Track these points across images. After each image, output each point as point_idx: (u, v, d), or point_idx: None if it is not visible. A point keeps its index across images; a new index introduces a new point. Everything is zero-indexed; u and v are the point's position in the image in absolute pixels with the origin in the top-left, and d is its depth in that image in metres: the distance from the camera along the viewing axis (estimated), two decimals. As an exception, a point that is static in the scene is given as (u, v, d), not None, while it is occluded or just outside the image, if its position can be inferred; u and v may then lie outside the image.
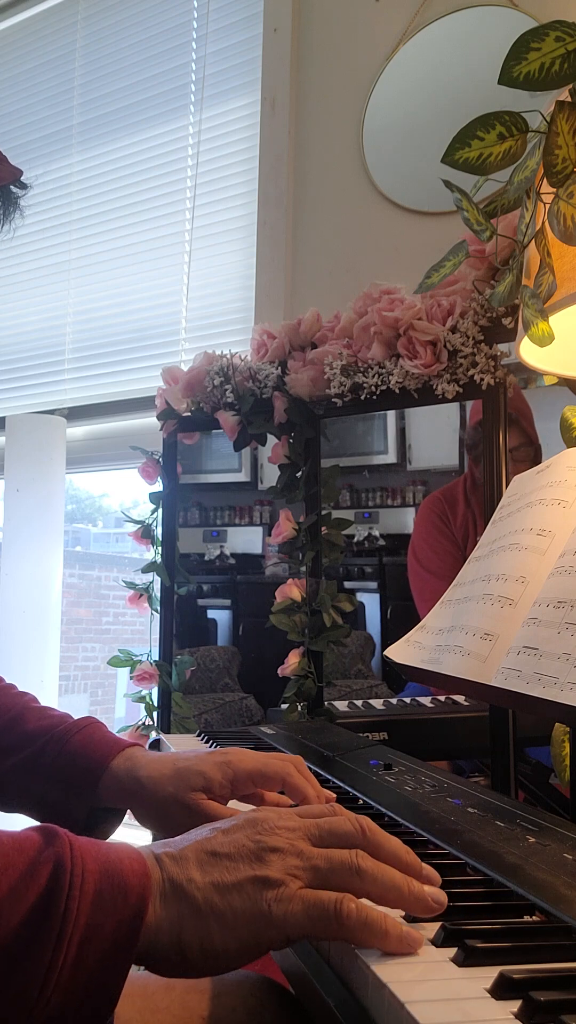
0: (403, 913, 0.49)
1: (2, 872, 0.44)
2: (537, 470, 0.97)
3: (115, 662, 1.56)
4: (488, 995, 0.41)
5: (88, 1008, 0.43)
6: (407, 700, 1.39)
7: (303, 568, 1.39)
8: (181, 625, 1.61)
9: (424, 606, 1.36)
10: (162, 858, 0.48)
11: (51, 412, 2.15)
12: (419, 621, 0.99)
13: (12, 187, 0.88)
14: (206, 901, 0.46)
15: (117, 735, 0.78)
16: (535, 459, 1.22)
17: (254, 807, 0.62)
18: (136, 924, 0.44)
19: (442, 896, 0.49)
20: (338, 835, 0.50)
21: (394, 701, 1.39)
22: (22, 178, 0.86)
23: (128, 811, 0.76)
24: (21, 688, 0.89)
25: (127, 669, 1.56)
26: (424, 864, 0.51)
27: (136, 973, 0.50)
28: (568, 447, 1.04)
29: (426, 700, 1.38)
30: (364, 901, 0.47)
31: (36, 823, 0.50)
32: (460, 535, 1.38)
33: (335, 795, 0.74)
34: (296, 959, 0.51)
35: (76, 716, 0.82)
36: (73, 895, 0.44)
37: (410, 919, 0.49)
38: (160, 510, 1.58)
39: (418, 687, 1.40)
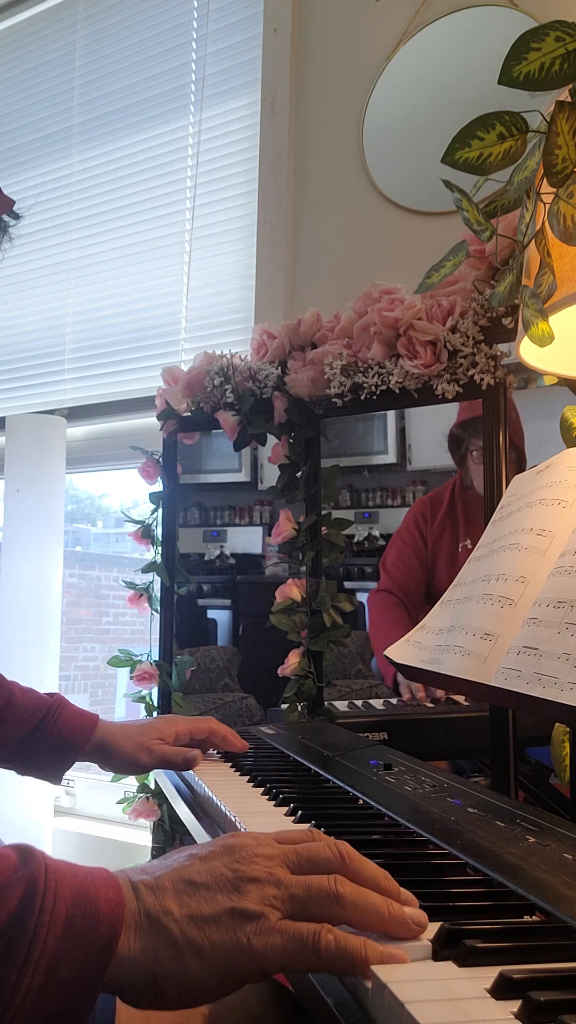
0: None
1: None
2: (537, 470, 0.97)
3: (115, 662, 1.56)
4: (488, 995, 0.41)
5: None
6: (393, 701, 1.40)
7: (303, 568, 1.39)
8: (181, 625, 1.61)
9: (371, 602, 1.38)
10: (139, 887, 0.47)
11: (51, 412, 2.15)
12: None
13: (5, 216, 0.93)
14: (183, 934, 0.45)
15: (81, 708, 0.99)
16: (519, 464, 1.23)
17: (231, 833, 0.63)
18: (106, 956, 0.44)
19: (423, 917, 0.48)
20: (316, 862, 0.49)
21: (394, 701, 1.39)
22: (13, 208, 0.89)
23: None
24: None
25: (127, 669, 1.56)
26: (402, 889, 0.50)
27: None
28: (568, 447, 1.04)
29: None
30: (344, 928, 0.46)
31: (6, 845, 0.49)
32: (432, 540, 1.40)
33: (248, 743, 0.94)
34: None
35: None
36: (43, 920, 0.43)
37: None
38: (160, 510, 1.58)
39: None
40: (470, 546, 1.38)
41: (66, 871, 0.46)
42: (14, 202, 0.91)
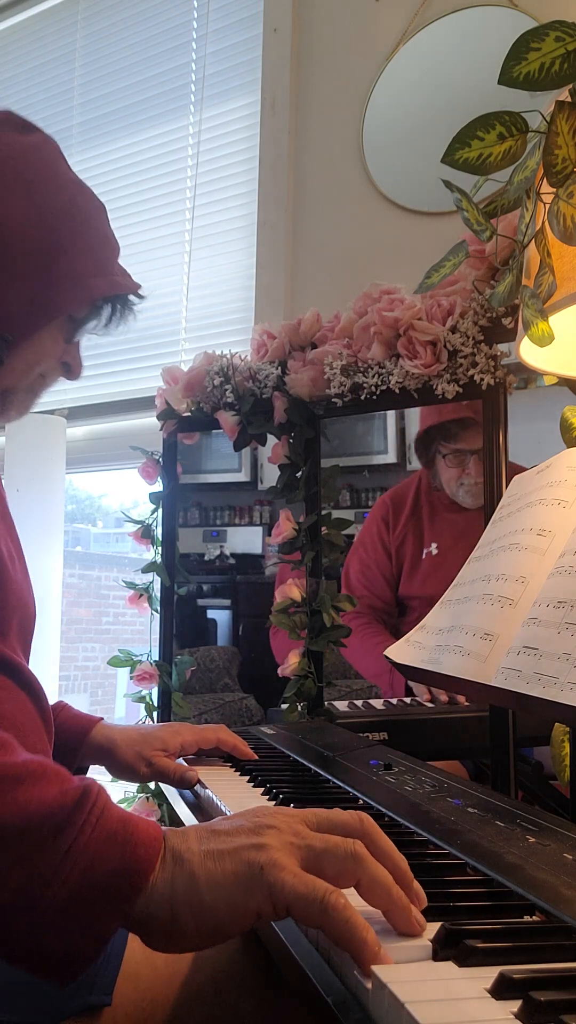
0: None
1: (58, 774, 0.51)
2: (537, 470, 0.97)
3: (115, 662, 1.56)
4: (488, 995, 0.40)
5: (83, 924, 0.46)
6: (393, 700, 1.40)
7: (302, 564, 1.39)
8: (181, 625, 1.61)
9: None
10: (168, 833, 0.51)
11: (51, 412, 2.15)
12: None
13: (132, 297, 1.00)
14: (201, 865, 0.48)
15: (83, 712, 0.96)
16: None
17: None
18: (138, 880, 0.47)
19: (424, 921, 0.48)
20: (336, 823, 0.51)
21: (394, 701, 1.39)
22: (140, 291, 1.00)
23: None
24: None
25: (127, 669, 1.55)
26: (415, 881, 0.50)
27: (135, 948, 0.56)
28: (568, 447, 1.04)
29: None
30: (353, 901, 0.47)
31: None
32: (396, 547, 1.39)
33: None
34: (296, 959, 0.51)
35: None
36: (91, 821, 0.48)
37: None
38: (160, 510, 1.58)
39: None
40: (435, 551, 1.38)
41: (116, 806, 0.51)
42: (139, 286, 1.00)
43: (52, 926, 0.46)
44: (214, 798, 0.84)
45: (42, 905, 0.46)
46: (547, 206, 0.83)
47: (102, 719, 0.98)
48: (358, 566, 1.45)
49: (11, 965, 0.47)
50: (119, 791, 1.69)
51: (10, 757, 0.51)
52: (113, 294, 0.95)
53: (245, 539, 1.73)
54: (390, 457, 1.52)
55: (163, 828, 0.51)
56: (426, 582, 1.39)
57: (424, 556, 1.39)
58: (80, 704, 0.99)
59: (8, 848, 0.46)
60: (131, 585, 1.59)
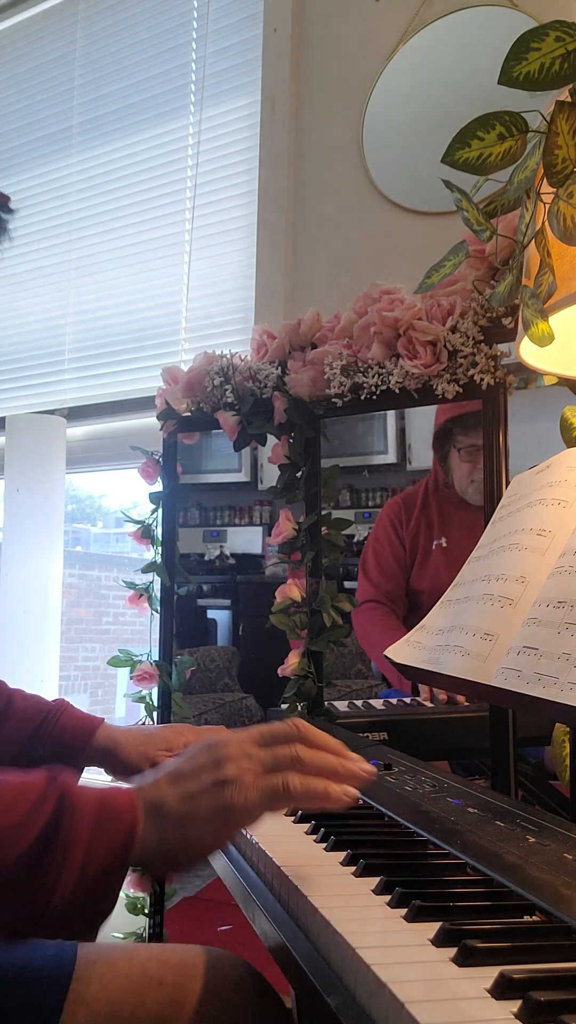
0: None
1: (17, 800, 0.55)
2: (537, 470, 0.97)
3: (115, 662, 1.56)
4: (488, 995, 0.40)
5: (89, 911, 0.55)
6: (393, 701, 1.40)
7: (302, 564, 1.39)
8: (181, 625, 1.61)
9: (358, 617, 1.38)
10: (141, 788, 0.60)
11: (51, 412, 2.15)
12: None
13: (0, 213, 0.94)
14: (178, 811, 0.57)
15: (85, 712, 0.94)
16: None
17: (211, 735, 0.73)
18: (129, 840, 0.55)
19: (368, 766, 0.62)
20: (278, 735, 0.61)
21: (394, 701, 1.39)
22: (9, 203, 0.92)
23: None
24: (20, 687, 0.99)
25: (127, 669, 1.55)
26: (351, 753, 0.62)
27: (100, 944, 0.63)
28: (568, 447, 1.04)
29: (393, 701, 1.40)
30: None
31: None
32: (409, 540, 1.41)
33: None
34: (297, 960, 0.51)
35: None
36: (75, 817, 0.55)
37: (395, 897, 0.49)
38: (160, 510, 1.58)
39: (395, 691, 1.42)
40: (444, 544, 1.39)
41: (86, 787, 0.58)
42: (8, 197, 0.93)
43: (67, 912, 0.54)
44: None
45: (58, 907, 0.53)
46: (547, 206, 0.83)
47: (103, 720, 0.98)
48: (374, 558, 1.46)
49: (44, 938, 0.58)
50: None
51: None
52: None
53: (245, 539, 1.73)
54: (390, 457, 1.52)
55: (134, 786, 0.60)
56: (437, 573, 1.40)
57: (435, 547, 1.40)
58: (80, 704, 0.99)
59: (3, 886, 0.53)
60: (131, 585, 1.59)
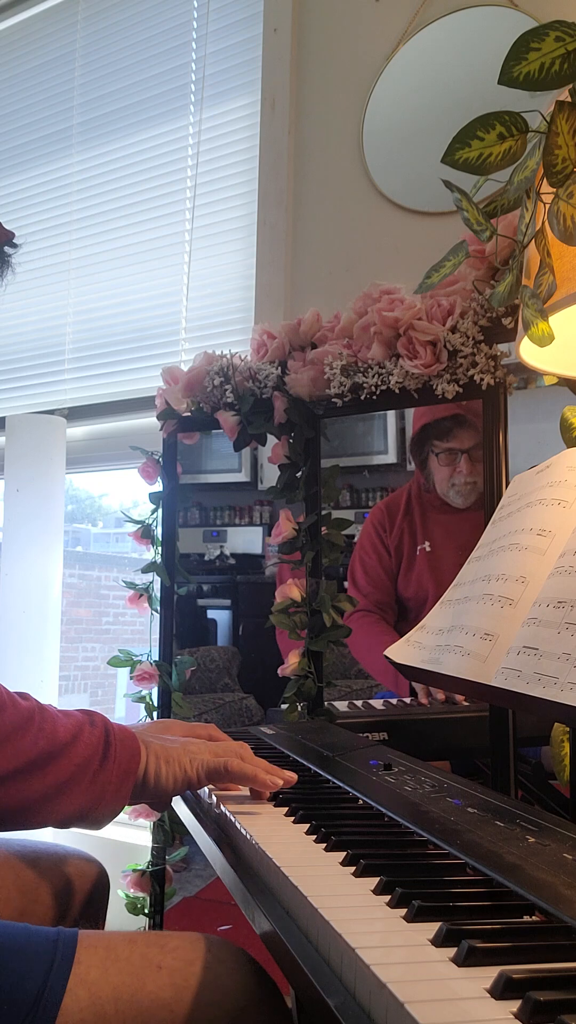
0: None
1: (77, 721, 0.81)
2: (537, 470, 0.97)
3: (115, 662, 1.56)
4: (488, 995, 0.40)
5: (116, 802, 0.80)
6: (393, 701, 1.40)
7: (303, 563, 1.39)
8: (181, 625, 1.61)
9: (350, 622, 1.39)
10: (136, 734, 0.84)
11: (51, 412, 2.15)
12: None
13: (5, 248, 0.96)
14: (158, 752, 0.82)
15: (123, 736, 0.85)
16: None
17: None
18: (137, 757, 0.81)
19: (288, 775, 0.84)
20: (228, 749, 0.85)
21: (394, 701, 1.39)
22: (14, 239, 0.96)
23: None
24: (21, 688, 0.95)
25: (127, 669, 1.55)
26: (284, 772, 0.84)
27: (100, 932, 0.72)
28: (568, 447, 1.04)
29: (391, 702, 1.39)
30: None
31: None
32: (394, 546, 1.41)
33: (295, 776, 0.90)
34: (297, 960, 0.51)
35: (43, 703, 0.90)
36: (113, 739, 0.81)
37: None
38: (160, 510, 1.58)
39: (392, 694, 1.42)
40: (428, 548, 1.40)
41: (114, 724, 0.84)
42: (13, 234, 0.96)
43: (109, 800, 0.80)
44: (215, 799, 0.84)
45: (105, 795, 0.79)
46: (547, 206, 0.83)
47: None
48: (361, 567, 1.46)
49: (87, 824, 0.81)
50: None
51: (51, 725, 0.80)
52: None
53: (245, 539, 1.73)
54: (390, 457, 1.52)
55: (131, 729, 0.85)
56: (421, 579, 1.40)
57: (418, 552, 1.40)
58: (80, 704, 0.99)
59: (83, 773, 0.79)
60: (131, 585, 1.59)
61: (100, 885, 1.01)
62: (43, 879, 0.95)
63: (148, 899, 1.49)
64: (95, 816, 0.80)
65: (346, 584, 1.47)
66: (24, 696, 0.82)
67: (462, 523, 1.26)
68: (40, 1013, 0.63)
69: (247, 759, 0.84)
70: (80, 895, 0.98)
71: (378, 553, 1.45)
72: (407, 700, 1.39)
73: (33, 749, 0.77)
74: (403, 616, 1.43)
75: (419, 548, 1.40)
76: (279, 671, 1.38)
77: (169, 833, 1.48)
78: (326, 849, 0.66)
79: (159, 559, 1.56)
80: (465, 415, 1.33)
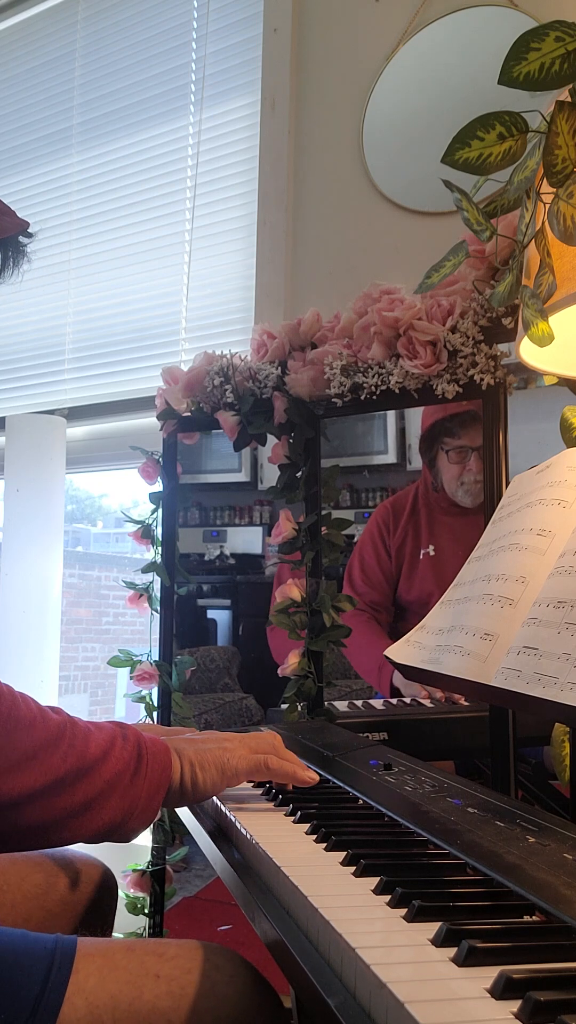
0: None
1: (109, 735, 0.78)
2: (537, 470, 0.97)
3: (115, 662, 1.56)
4: (488, 995, 0.41)
5: (148, 814, 0.77)
6: (393, 700, 1.40)
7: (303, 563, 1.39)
8: (181, 625, 1.61)
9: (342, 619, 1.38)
10: (167, 743, 0.81)
11: (51, 412, 2.15)
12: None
13: (20, 237, 0.97)
14: (193, 759, 0.80)
15: (155, 750, 0.81)
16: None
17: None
18: (168, 770, 0.79)
19: (313, 775, 0.85)
20: (262, 742, 0.85)
21: (394, 702, 1.39)
22: (29, 228, 0.97)
23: None
24: (22, 688, 0.92)
25: (127, 669, 1.55)
26: (309, 767, 0.86)
27: (98, 940, 0.73)
28: (568, 447, 1.04)
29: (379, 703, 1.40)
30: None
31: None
32: (395, 548, 1.41)
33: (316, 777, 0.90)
34: (297, 960, 0.51)
35: (76, 716, 0.86)
36: (145, 753, 0.78)
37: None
38: (160, 510, 1.58)
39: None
40: (432, 553, 1.39)
41: (144, 736, 0.81)
42: (28, 224, 0.95)
43: (139, 813, 0.77)
44: (215, 799, 0.84)
45: (137, 807, 0.77)
46: (547, 206, 0.83)
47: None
48: (359, 565, 1.46)
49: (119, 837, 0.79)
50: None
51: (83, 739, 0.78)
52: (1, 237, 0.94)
53: (245, 539, 1.73)
54: (390, 457, 1.52)
55: (163, 741, 0.82)
56: (423, 583, 1.39)
57: (422, 556, 1.40)
58: (80, 704, 0.98)
59: (113, 790, 0.76)
60: (131, 585, 1.59)
61: (107, 888, 1.00)
62: (48, 883, 0.94)
63: (148, 899, 1.49)
64: (123, 831, 0.77)
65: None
66: (56, 710, 0.79)
67: (469, 526, 1.26)
68: (37, 1022, 0.63)
69: (280, 751, 0.84)
70: (86, 899, 0.97)
71: (378, 553, 1.44)
72: (406, 700, 1.39)
73: (62, 766, 0.74)
74: (404, 619, 1.43)
75: (423, 552, 1.40)
76: (279, 671, 1.38)
77: (169, 833, 1.48)
78: (326, 849, 0.66)
79: (159, 559, 1.56)
80: (476, 412, 1.32)
